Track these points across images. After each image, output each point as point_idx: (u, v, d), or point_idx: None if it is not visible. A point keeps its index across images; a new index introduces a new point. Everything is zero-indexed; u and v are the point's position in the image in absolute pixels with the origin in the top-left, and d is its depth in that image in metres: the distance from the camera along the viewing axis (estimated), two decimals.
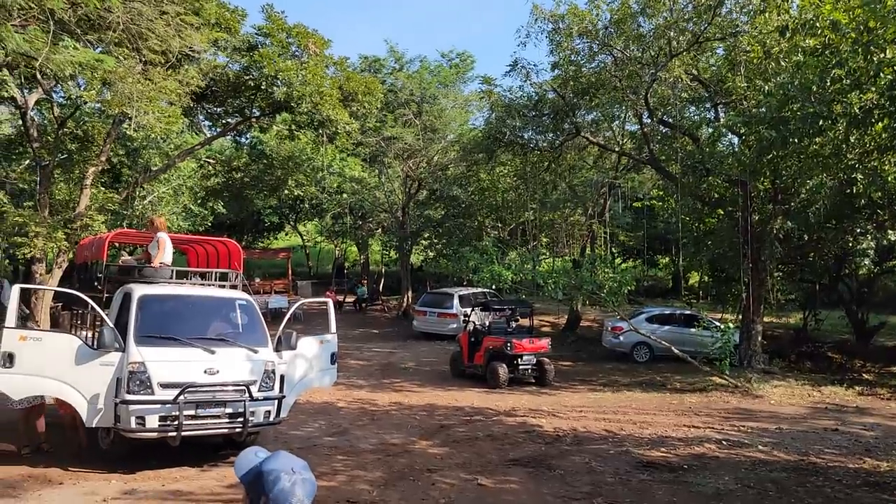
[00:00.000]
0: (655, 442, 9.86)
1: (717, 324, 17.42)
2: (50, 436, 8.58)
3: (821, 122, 10.27)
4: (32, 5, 8.62)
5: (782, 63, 12.59)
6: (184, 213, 25.41)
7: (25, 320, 16.06)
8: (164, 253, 9.41)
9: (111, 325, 7.82)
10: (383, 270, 37.70)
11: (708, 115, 18.77)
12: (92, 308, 8.44)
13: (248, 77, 18.55)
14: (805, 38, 10.82)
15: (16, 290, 7.79)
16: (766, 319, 18.93)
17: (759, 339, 16.80)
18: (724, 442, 9.84)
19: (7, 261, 26.46)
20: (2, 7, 8.78)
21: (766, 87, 12.36)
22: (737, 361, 16.02)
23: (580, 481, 7.76)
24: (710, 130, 16.40)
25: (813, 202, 15.62)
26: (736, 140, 17.52)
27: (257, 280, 31.65)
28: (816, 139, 11.90)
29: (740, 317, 18.35)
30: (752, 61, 13.80)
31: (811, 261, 19.70)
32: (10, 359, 7.23)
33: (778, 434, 10.49)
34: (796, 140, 11.30)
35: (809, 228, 16.62)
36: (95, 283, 9.52)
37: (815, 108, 10.28)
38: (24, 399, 7.98)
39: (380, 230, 34.15)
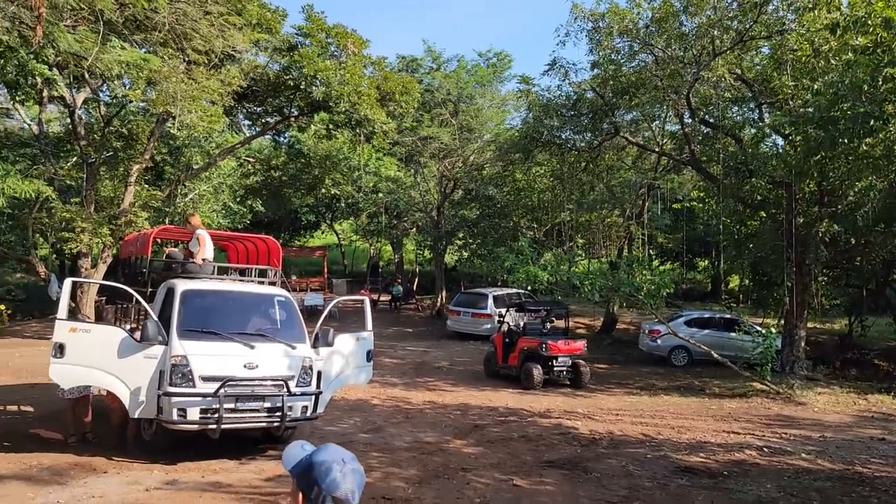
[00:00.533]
0: (694, 447, 9.68)
1: (759, 328, 17.07)
2: (94, 426, 8.79)
3: (872, 123, 9.99)
4: (83, 6, 8.86)
5: (832, 61, 12.25)
6: (223, 211, 25.85)
7: (73, 313, 16.57)
8: (206, 249, 9.59)
9: (155, 318, 7.98)
10: (417, 270, 37.80)
11: (751, 116, 18.38)
12: (135, 302, 8.65)
13: (287, 77, 18.79)
14: (856, 36, 10.55)
15: (68, 283, 8.03)
16: (809, 325, 18.48)
17: (803, 344, 16.40)
18: (765, 449, 9.62)
19: (54, 255, 27.23)
20: (54, 8, 9.03)
21: (815, 87, 12.03)
22: (778, 367, 15.67)
23: (617, 485, 7.66)
24: (754, 131, 16.03)
25: (861, 204, 15.16)
26: (780, 141, 17.14)
27: (293, 277, 32.01)
28: (867, 139, 11.56)
29: (782, 322, 17.94)
30: (800, 60, 13.47)
31: (858, 265, 19.17)
32: (61, 349, 7.44)
33: (822, 442, 10.22)
34: (846, 140, 10.98)
35: (857, 232, 16.15)
36: (140, 278, 9.74)
37: (865, 108, 9.99)
38: (73, 389, 8.20)
39: (414, 229, 34.25)
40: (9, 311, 22.15)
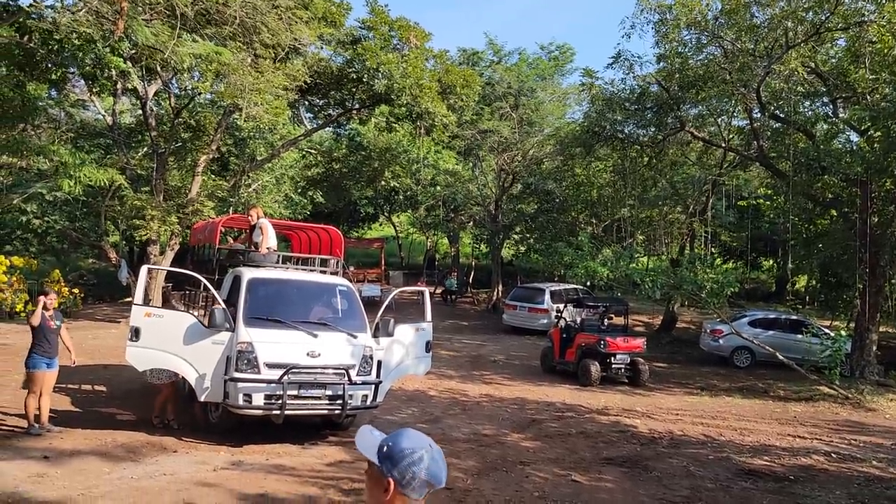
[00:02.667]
0: (758, 450, 9.43)
1: (827, 331, 16.47)
2: (178, 414, 9.07)
3: None
4: (160, 1, 9.19)
5: None
6: (285, 202, 26.40)
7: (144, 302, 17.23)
8: (269, 238, 9.82)
9: (223, 305, 8.23)
10: (473, 263, 37.81)
11: (825, 111, 17.68)
12: (203, 288, 8.93)
13: (350, 70, 19.04)
14: None
15: (144, 270, 8.38)
16: (881, 329, 17.71)
17: (874, 348, 15.74)
18: (833, 455, 9.30)
19: (124, 242, 28.33)
20: (133, 2, 9.39)
21: None
22: (847, 371, 15.08)
23: (678, 485, 7.54)
24: (827, 126, 15.40)
25: None
26: (854, 137, 16.43)
27: (351, 268, 32.38)
28: None
29: (852, 324, 17.25)
30: (880, 52, 12.86)
31: None
32: (136, 333, 7.76)
33: (894, 450, 9.81)
34: None
35: None
36: (208, 266, 10.06)
37: None
38: (161, 375, 8.48)
39: (471, 223, 34.26)
40: (81, 295, 23.15)
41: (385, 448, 1.94)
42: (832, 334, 14.91)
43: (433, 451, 1.92)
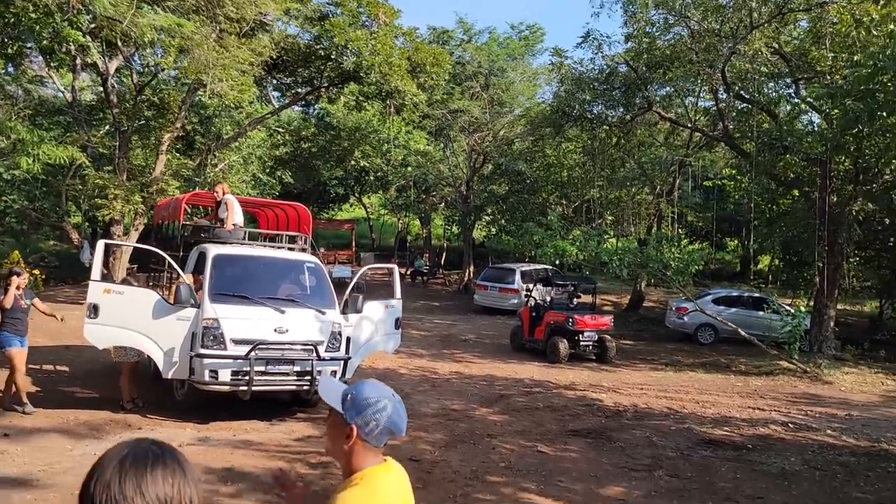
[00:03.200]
0: (718, 421, 9.68)
1: (787, 307, 16.88)
2: (143, 392, 8.97)
3: None
4: None
5: (874, 32, 11.90)
6: (252, 182, 26.04)
7: (105, 280, 16.93)
8: (235, 214, 9.71)
9: (188, 282, 8.15)
10: (445, 245, 37.84)
11: (788, 91, 17.99)
12: (168, 268, 8.82)
13: (318, 47, 18.78)
14: None
15: (101, 245, 8.22)
16: (839, 306, 18.21)
17: (832, 324, 16.20)
18: (790, 425, 9.58)
19: (87, 223, 27.76)
20: None
21: (855, 58, 11.67)
22: (806, 347, 15.50)
23: (641, 454, 7.71)
24: (790, 106, 15.69)
25: None
26: (816, 118, 16.78)
27: (322, 250, 32.16)
28: None
29: (812, 302, 17.70)
30: (840, 32, 13.09)
31: (891, 246, 18.79)
32: (95, 310, 7.64)
33: (848, 420, 10.14)
34: (885, 114, 10.70)
35: (892, 211, 15.82)
36: (172, 243, 9.93)
37: None
38: (127, 354, 8.39)
39: (443, 204, 34.24)
40: (43, 277, 22.66)
41: (349, 396, 1.96)
42: (792, 311, 15.28)
43: (395, 401, 1.96)
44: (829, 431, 9.25)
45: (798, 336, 14.40)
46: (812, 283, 17.54)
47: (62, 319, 8.81)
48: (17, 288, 8.13)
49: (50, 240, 33.62)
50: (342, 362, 8.54)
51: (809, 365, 14.26)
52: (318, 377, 8.15)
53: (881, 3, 10.03)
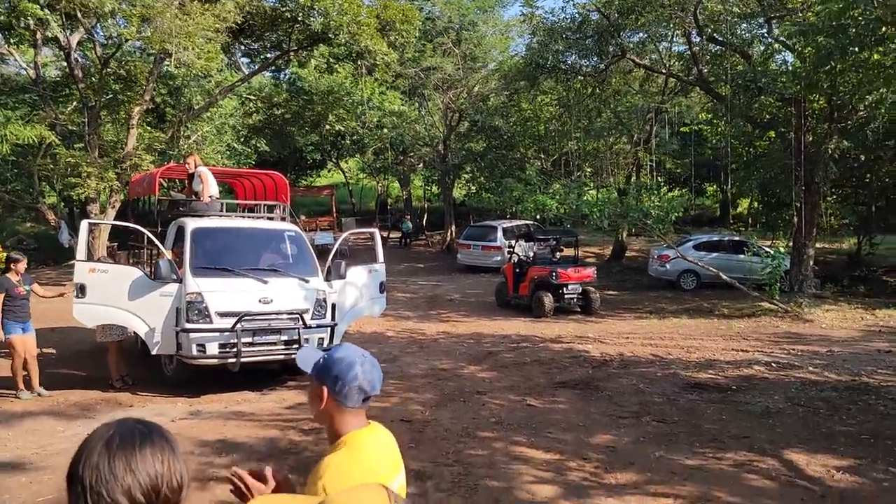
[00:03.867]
0: (703, 365, 9.87)
1: (767, 249, 17.09)
2: (130, 369, 8.96)
3: (884, 29, 9.67)
4: None
5: None
6: (227, 152, 25.65)
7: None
8: (210, 186, 9.56)
9: (168, 256, 8.08)
10: (426, 206, 37.72)
11: (761, 32, 17.87)
12: (148, 243, 8.73)
13: (284, 9, 18.31)
14: None
15: (84, 224, 8.14)
16: (818, 245, 18.45)
17: (811, 263, 16.44)
18: (773, 364, 9.79)
19: (62, 203, 27.31)
20: None
21: None
22: (787, 287, 15.73)
23: (628, 401, 7.86)
24: (763, 46, 15.60)
25: (872, 119, 14.90)
26: (790, 57, 16.72)
27: (302, 217, 31.93)
28: (878, 48, 11.22)
29: (791, 242, 17.93)
30: None
31: (867, 182, 19.00)
32: (82, 290, 7.60)
33: (829, 356, 10.39)
34: (856, 49, 10.68)
35: (867, 148, 15.97)
36: (149, 218, 9.81)
37: (877, 13, 9.66)
38: (111, 333, 8.36)
39: (421, 165, 34.00)
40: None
41: (321, 360, 1.99)
42: (772, 252, 15.46)
43: (366, 360, 1.98)
44: (811, 368, 9.47)
45: (778, 277, 14.61)
46: (791, 223, 17.74)
47: (63, 295, 8.76)
48: (17, 273, 8.09)
49: (26, 222, 33.13)
50: (328, 329, 8.57)
51: (790, 304, 14.51)
52: (305, 345, 8.19)
53: None
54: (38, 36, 18.09)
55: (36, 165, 18.56)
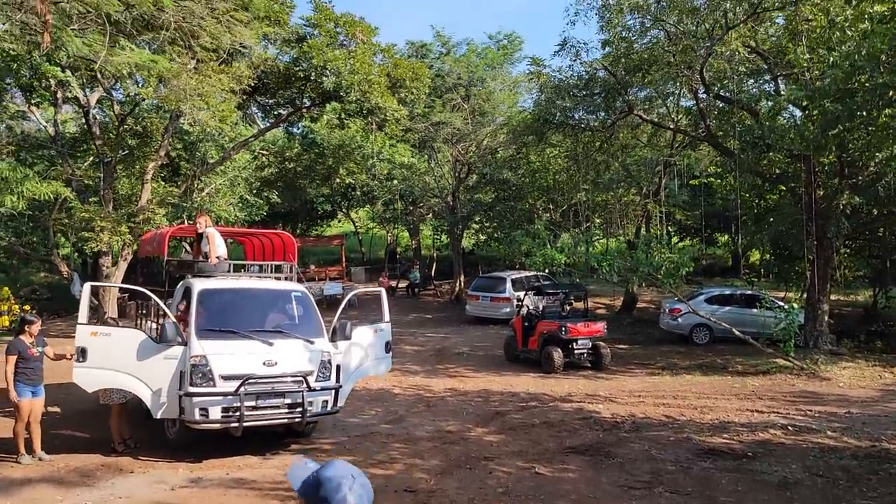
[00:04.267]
0: (717, 427, 9.63)
1: (781, 303, 16.87)
2: (134, 432, 8.84)
3: (891, 94, 9.71)
4: (90, 10, 8.88)
5: (848, 32, 11.92)
6: (240, 204, 25.93)
7: (94, 311, 16.79)
8: (217, 247, 9.60)
9: (174, 319, 8.06)
10: (435, 255, 37.76)
11: (767, 88, 18.04)
12: (156, 301, 8.73)
13: (297, 68, 18.75)
14: (873, 4, 10.23)
15: (87, 288, 8.13)
16: (832, 297, 18.19)
17: (826, 318, 16.20)
18: (790, 427, 9.54)
19: (76, 254, 27.57)
20: (62, 13, 9.07)
21: (831, 58, 11.70)
22: (802, 342, 15.49)
23: (640, 469, 7.64)
24: (771, 104, 15.73)
25: (882, 175, 14.86)
26: (798, 112, 16.80)
27: (312, 267, 32.15)
28: (886, 111, 11.25)
29: (804, 296, 17.71)
30: (815, 30, 13.13)
31: (881, 236, 18.83)
32: (83, 353, 7.57)
33: (847, 419, 10.12)
34: (864, 113, 10.70)
35: (879, 203, 15.85)
36: (158, 278, 9.84)
37: (884, 79, 9.71)
38: (114, 396, 8.28)
39: (430, 215, 34.19)
40: (34, 311, 22.53)
41: (310, 478, 1.92)
42: (785, 307, 15.27)
43: (354, 483, 1.90)
44: (829, 432, 9.22)
45: (793, 332, 14.40)
46: (803, 275, 17.54)
47: (71, 357, 8.67)
48: (30, 335, 8.09)
49: (41, 272, 33.44)
50: (333, 391, 8.47)
51: (806, 361, 14.25)
52: (309, 408, 8.09)
53: (853, 2, 10.03)
54: (59, 95, 18.56)
55: (51, 220, 18.83)
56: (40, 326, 8.42)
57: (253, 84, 17.57)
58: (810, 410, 10.71)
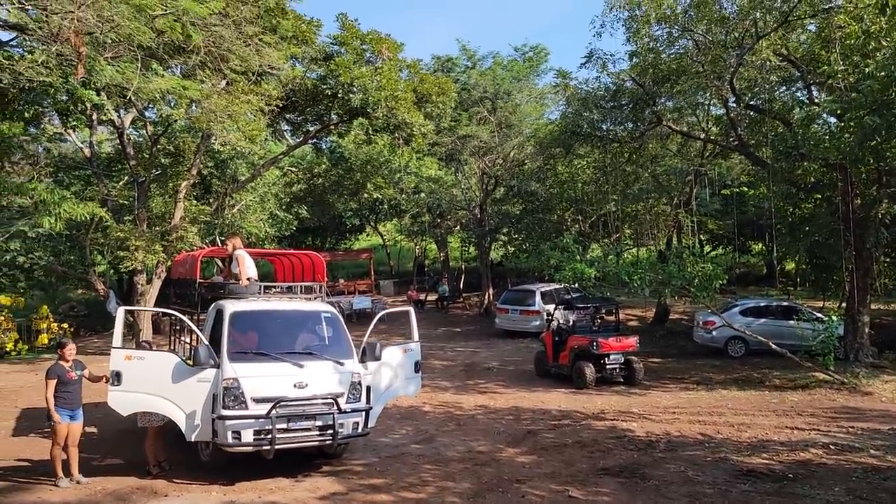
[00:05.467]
0: (756, 447, 9.40)
1: (819, 315, 16.47)
2: (169, 454, 8.89)
3: None
4: (122, 39, 9.08)
5: (883, 42, 11.63)
6: (270, 220, 26.24)
7: (129, 328, 17.05)
8: (248, 269, 9.67)
9: (206, 342, 8.13)
10: (463, 267, 37.74)
11: (800, 96, 17.71)
12: (189, 325, 8.83)
13: (325, 86, 18.93)
14: None
15: (121, 312, 8.24)
16: (872, 307, 17.69)
17: (867, 330, 15.77)
18: (831, 446, 9.28)
19: (112, 272, 28.11)
20: (96, 43, 9.28)
21: (867, 69, 11.41)
22: (842, 355, 15.07)
23: (676, 493, 7.48)
24: (804, 112, 15.39)
25: None
26: (832, 120, 16.46)
27: (341, 281, 32.36)
28: None
29: (843, 307, 17.26)
30: (849, 38, 12.84)
31: None
32: (118, 377, 7.67)
33: (891, 435, 9.83)
34: None
35: None
36: (191, 299, 9.95)
37: None
38: (149, 419, 8.37)
39: (458, 227, 34.20)
40: (71, 329, 23.00)
41: None
42: (824, 319, 14.88)
43: None
44: (872, 451, 8.96)
45: (832, 345, 14.03)
46: (842, 286, 17.12)
47: (107, 381, 8.79)
48: (66, 359, 8.22)
49: (78, 289, 34.15)
50: (364, 413, 8.45)
51: (846, 375, 13.88)
52: (340, 430, 8.08)
53: (888, 12, 9.79)
54: (94, 117, 18.99)
55: (88, 239, 19.23)
56: (75, 346, 8.55)
57: (281, 105, 17.78)
58: (852, 427, 10.42)
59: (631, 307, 25.81)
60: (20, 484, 8.10)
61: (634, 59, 17.86)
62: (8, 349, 20.35)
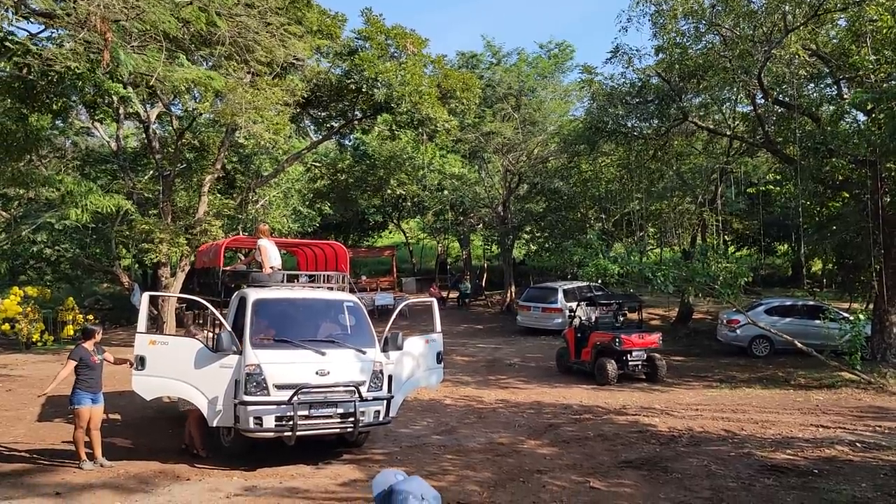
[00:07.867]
0: (780, 443, 9.26)
1: (846, 315, 16.19)
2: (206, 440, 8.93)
3: None
4: (149, 27, 9.19)
5: None
6: (293, 215, 26.42)
7: (153, 321, 17.27)
8: (271, 258, 9.74)
9: (229, 328, 8.19)
10: (486, 265, 37.66)
11: (829, 92, 17.40)
12: (213, 311, 8.92)
13: (349, 81, 19.02)
14: None
15: (145, 298, 8.34)
16: None
17: (895, 330, 15.46)
18: (857, 444, 9.11)
19: (137, 265, 28.49)
20: (123, 31, 9.41)
21: None
22: (869, 355, 14.82)
23: (699, 486, 7.39)
24: (833, 108, 15.11)
25: None
26: (861, 116, 16.14)
27: (364, 278, 32.46)
28: None
29: (871, 306, 16.94)
30: (881, 31, 12.59)
31: None
32: (142, 362, 7.77)
33: None
34: None
35: None
36: (215, 288, 10.05)
37: None
38: (188, 403, 8.44)
39: (481, 225, 34.15)
40: (97, 321, 23.36)
41: (387, 488, 2.09)
42: (851, 318, 14.62)
43: (423, 501, 2.00)
44: None
45: (859, 345, 13.76)
46: (869, 285, 16.81)
47: (131, 365, 8.87)
48: (92, 344, 8.33)
49: (103, 282, 34.66)
50: (385, 401, 8.47)
51: (873, 375, 13.63)
52: (361, 418, 8.10)
53: None
54: (121, 111, 19.27)
55: (113, 232, 19.52)
56: (100, 336, 8.68)
57: (306, 97, 17.88)
58: (879, 426, 10.22)
59: (654, 307, 25.58)
60: (45, 466, 8.23)
61: (660, 55, 17.67)
62: (34, 340, 20.71)
